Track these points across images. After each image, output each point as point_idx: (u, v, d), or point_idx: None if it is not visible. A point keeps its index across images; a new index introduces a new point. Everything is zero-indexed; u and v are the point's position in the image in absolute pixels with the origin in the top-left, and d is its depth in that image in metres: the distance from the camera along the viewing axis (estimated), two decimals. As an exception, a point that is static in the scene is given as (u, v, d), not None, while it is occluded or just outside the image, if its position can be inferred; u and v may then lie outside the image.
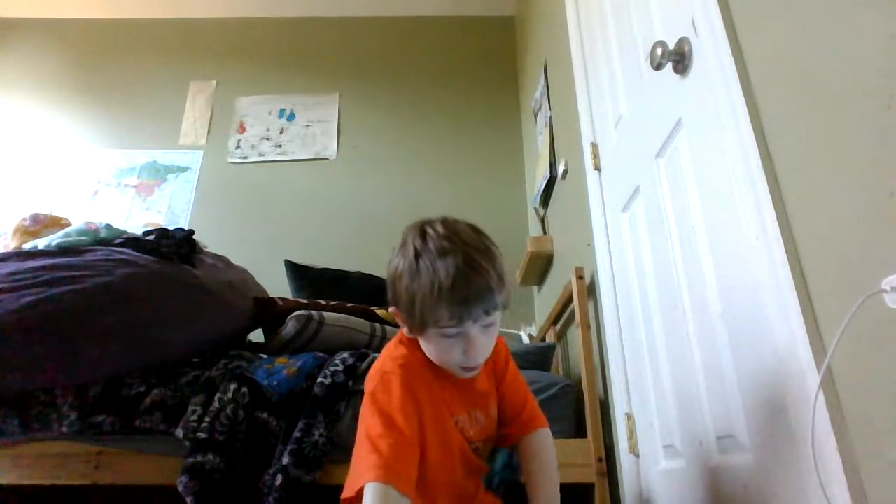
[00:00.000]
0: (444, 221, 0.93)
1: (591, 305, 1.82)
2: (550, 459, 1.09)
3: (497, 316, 0.92)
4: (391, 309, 0.97)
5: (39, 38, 3.67)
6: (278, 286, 2.24)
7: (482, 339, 0.92)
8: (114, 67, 3.60)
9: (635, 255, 1.50)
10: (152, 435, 1.42)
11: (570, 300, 1.92)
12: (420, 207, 3.12)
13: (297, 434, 1.34)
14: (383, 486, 0.83)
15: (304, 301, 1.94)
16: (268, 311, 1.83)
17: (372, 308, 1.95)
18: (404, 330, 0.99)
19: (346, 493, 0.92)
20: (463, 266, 0.86)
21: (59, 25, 3.70)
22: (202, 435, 1.33)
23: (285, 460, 1.30)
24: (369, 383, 0.98)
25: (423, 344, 0.97)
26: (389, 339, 1.73)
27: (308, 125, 3.43)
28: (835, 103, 0.77)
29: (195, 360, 1.59)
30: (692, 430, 1.17)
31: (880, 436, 0.69)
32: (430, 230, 0.91)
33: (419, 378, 0.97)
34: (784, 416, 0.86)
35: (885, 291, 0.66)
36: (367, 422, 0.92)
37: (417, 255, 0.89)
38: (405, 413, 0.91)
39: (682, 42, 1.19)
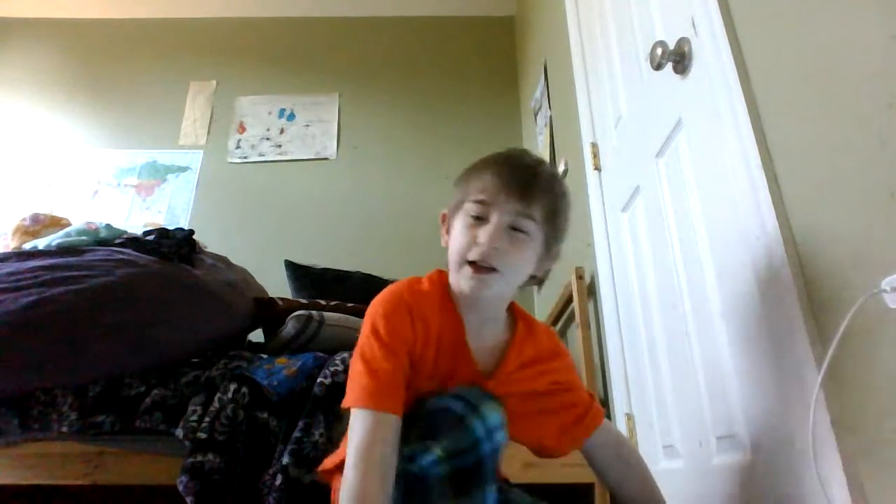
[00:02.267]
0: None
1: (591, 305, 1.82)
2: (630, 446, 1.02)
3: (531, 228, 0.86)
4: (443, 212, 0.95)
5: (39, 38, 3.67)
6: (278, 286, 2.23)
7: (502, 236, 0.84)
8: (114, 67, 3.60)
9: (635, 255, 1.50)
10: (152, 435, 1.42)
11: (569, 300, 1.92)
12: (420, 207, 3.14)
13: (297, 434, 1.34)
14: (374, 412, 0.79)
15: (304, 301, 1.94)
16: (268, 311, 1.83)
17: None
18: (444, 231, 0.93)
19: (345, 403, 0.84)
20: (518, 153, 0.91)
21: (59, 25, 3.70)
22: (202, 435, 1.33)
23: (285, 460, 1.30)
24: (373, 303, 0.90)
25: (452, 235, 0.89)
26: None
27: (308, 125, 3.43)
28: (835, 103, 0.77)
29: (195, 360, 1.59)
30: (692, 430, 1.17)
31: (880, 436, 0.69)
32: None
33: (435, 306, 0.88)
34: (784, 415, 0.86)
35: (885, 291, 0.66)
36: (363, 341, 0.86)
37: (506, 150, 0.93)
38: (402, 337, 0.85)
39: (682, 42, 1.19)
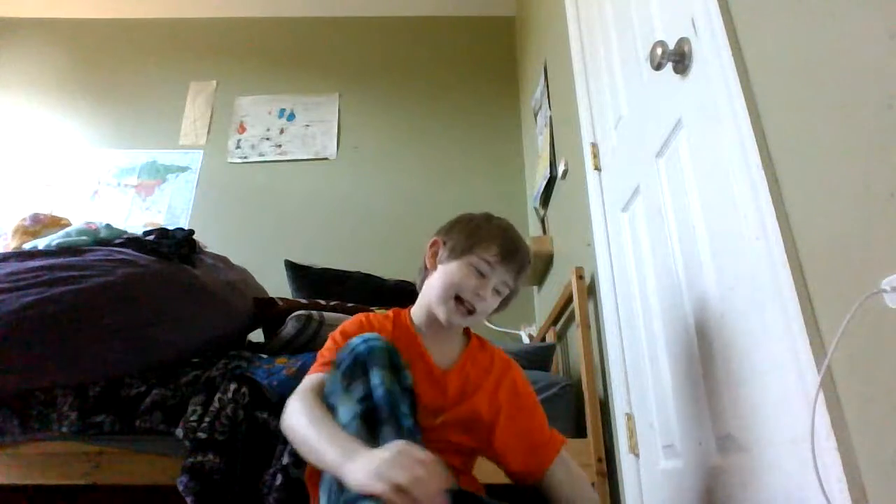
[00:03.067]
0: None
1: (591, 305, 1.82)
2: (584, 482, 1.11)
3: (506, 292, 1.10)
4: (435, 238, 1.14)
5: (39, 38, 3.67)
6: (278, 286, 2.23)
7: (492, 294, 1.07)
8: (114, 67, 3.60)
9: (635, 255, 1.50)
10: (152, 435, 1.42)
11: (569, 300, 1.92)
12: (420, 207, 3.15)
13: (297, 434, 1.34)
14: (314, 374, 1.01)
15: (304, 301, 1.94)
16: (268, 311, 1.83)
17: (372, 308, 1.95)
18: (434, 259, 1.12)
19: None
20: (518, 235, 1.14)
21: (59, 25, 3.70)
22: (202, 435, 1.33)
23: (285, 460, 1.30)
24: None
25: (441, 274, 1.08)
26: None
27: (308, 125, 3.43)
28: (835, 103, 0.77)
29: (195, 360, 1.59)
30: (692, 430, 1.17)
31: (880, 436, 0.69)
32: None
33: (389, 324, 1.10)
34: (784, 416, 0.86)
35: (885, 291, 0.66)
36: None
37: (499, 219, 1.16)
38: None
39: (682, 42, 1.19)
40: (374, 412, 0.86)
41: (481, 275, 1.06)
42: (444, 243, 1.11)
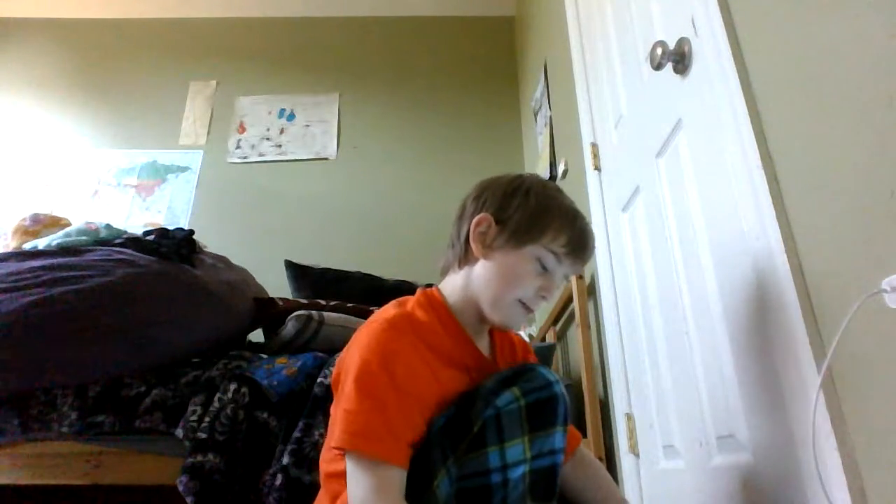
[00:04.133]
0: None
1: (591, 305, 1.82)
2: (605, 473, 1.04)
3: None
4: (483, 215, 0.89)
5: (39, 38, 3.67)
6: (278, 286, 2.23)
7: (554, 293, 0.92)
8: (114, 67, 3.60)
9: (635, 255, 1.50)
10: (152, 435, 1.42)
11: (570, 300, 1.92)
12: (420, 207, 3.15)
13: (297, 434, 1.34)
14: (385, 465, 0.73)
15: (304, 301, 1.94)
16: (268, 311, 1.82)
17: (372, 308, 1.95)
18: (483, 244, 0.89)
19: (338, 442, 0.76)
20: (588, 225, 0.93)
21: (59, 25, 3.70)
22: (202, 435, 1.33)
23: (285, 460, 1.30)
24: (371, 327, 0.83)
25: (499, 268, 0.87)
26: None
27: (308, 125, 3.43)
28: (835, 103, 0.77)
29: (195, 360, 1.59)
30: (692, 430, 1.17)
31: (880, 436, 0.69)
32: None
33: (442, 334, 0.87)
34: (784, 416, 0.86)
35: (885, 291, 0.66)
36: (367, 377, 0.77)
37: (559, 191, 0.94)
38: (418, 375, 0.80)
39: (682, 42, 1.19)
40: (543, 477, 0.78)
41: (544, 268, 0.88)
42: (500, 223, 0.89)
